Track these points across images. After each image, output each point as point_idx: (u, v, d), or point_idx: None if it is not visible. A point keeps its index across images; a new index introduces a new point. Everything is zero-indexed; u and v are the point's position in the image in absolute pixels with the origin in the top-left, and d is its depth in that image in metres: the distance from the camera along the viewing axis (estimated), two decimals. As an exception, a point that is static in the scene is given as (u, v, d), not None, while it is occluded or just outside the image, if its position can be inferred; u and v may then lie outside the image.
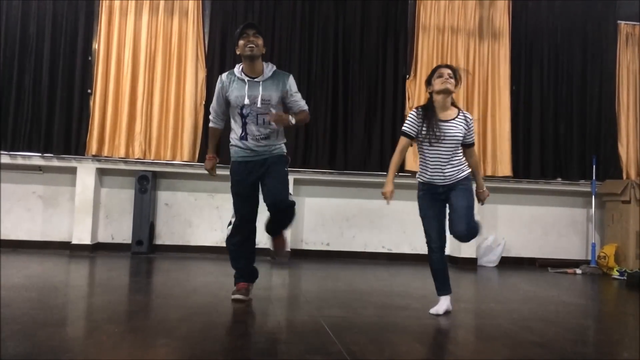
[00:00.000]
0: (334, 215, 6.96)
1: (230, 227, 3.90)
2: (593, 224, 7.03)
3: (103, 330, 2.93)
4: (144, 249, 6.35)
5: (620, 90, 7.35)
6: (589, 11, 7.31)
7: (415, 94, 6.88)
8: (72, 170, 6.45)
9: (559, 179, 7.14)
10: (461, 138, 3.68)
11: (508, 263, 6.96)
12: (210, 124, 4.01)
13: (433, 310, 3.74)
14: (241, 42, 3.68)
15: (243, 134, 3.75)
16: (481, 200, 3.97)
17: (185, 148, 6.55)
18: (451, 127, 3.66)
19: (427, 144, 3.66)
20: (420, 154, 3.77)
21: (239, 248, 3.94)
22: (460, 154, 3.74)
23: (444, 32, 7.02)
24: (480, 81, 7.04)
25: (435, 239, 3.74)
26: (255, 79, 3.74)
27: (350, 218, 7.01)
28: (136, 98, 6.55)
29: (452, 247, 7.00)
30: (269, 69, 3.80)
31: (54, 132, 6.41)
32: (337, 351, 2.68)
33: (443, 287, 3.81)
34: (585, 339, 3.45)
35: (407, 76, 6.96)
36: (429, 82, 3.77)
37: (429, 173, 3.71)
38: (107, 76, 6.51)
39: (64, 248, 6.37)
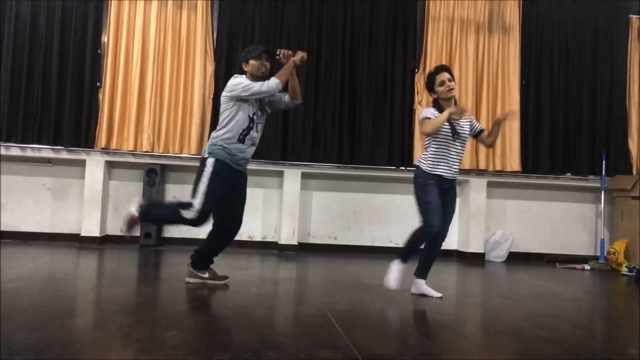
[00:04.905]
0: (341, 209, 6.95)
1: (187, 215, 3.88)
2: (602, 220, 6.99)
3: (112, 322, 2.95)
4: (152, 241, 6.38)
5: (631, 85, 7.28)
6: (600, 5, 7.25)
7: (424, 88, 6.84)
8: (81, 163, 6.48)
9: (568, 174, 7.10)
10: (468, 137, 4.02)
11: (516, 258, 6.94)
12: (272, 80, 3.92)
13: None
14: (255, 62, 3.99)
15: (242, 136, 3.96)
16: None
17: (193, 141, 6.56)
18: (464, 126, 3.96)
19: (446, 140, 3.89)
20: (433, 149, 3.92)
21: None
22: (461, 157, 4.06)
23: (454, 25, 6.98)
24: (490, 76, 7.00)
25: (439, 220, 3.88)
26: None
27: (358, 212, 7.00)
28: (145, 91, 6.56)
29: (460, 242, 7.00)
30: None
31: (63, 125, 6.44)
32: (344, 345, 2.68)
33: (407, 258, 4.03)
34: (593, 335, 3.43)
35: (416, 70, 6.93)
36: (431, 89, 4.03)
37: (442, 167, 3.91)
38: (116, 69, 6.53)
39: (73, 240, 6.41)
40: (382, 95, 6.87)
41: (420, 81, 6.88)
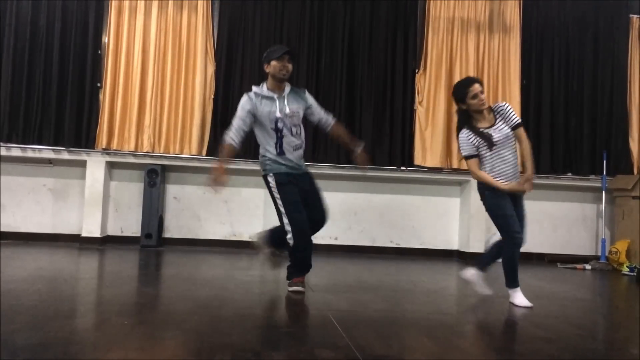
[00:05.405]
0: (342, 210, 6.94)
1: (291, 240, 3.94)
2: (603, 220, 6.98)
3: (112, 323, 2.95)
4: (153, 242, 6.39)
5: (631, 84, 7.27)
6: (600, 5, 7.24)
7: (425, 88, 6.85)
8: (82, 164, 6.49)
9: (569, 174, 7.09)
10: (512, 133, 3.86)
11: (517, 258, 6.92)
12: (228, 141, 3.92)
13: (522, 303, 3.87)
14: (277, 63, 3.93)
15: (279, 149, 3.95)
16: (527, 190, 3.98)
17: (193, 142, 6.57)
18: (501, 129, 3.85)
19: (491, 156, 3.84)
20: (487, 165, 3.88)
21: (307, 251, 4.03)
22: (517, 153, 3.91)
23: (454, 25, 6.98)
24: (491, 75, 7.00)
25: (520, 232, 3.90)
26: (281, 95, 4.00)
27: (359, 212, 7.00)
28: (145, 91, 6.57)
29: (461, 242, 7.00)
30: (287, 85, 4.08)
31: (64, 126, 6.45)
32: (345, 345, 2.68)
33: (517, 280, 3.97)
34: (594, 335, 3.43)
35: (417, 70, 6.93)
36: (462, 100, 3.88)
37: (501, 179, 3.87)
38: (117, 70, 6.54)
39: (74, 241, 6.42)
40: (382, 96, 6.87)
41: (420, 81, 6.89)
